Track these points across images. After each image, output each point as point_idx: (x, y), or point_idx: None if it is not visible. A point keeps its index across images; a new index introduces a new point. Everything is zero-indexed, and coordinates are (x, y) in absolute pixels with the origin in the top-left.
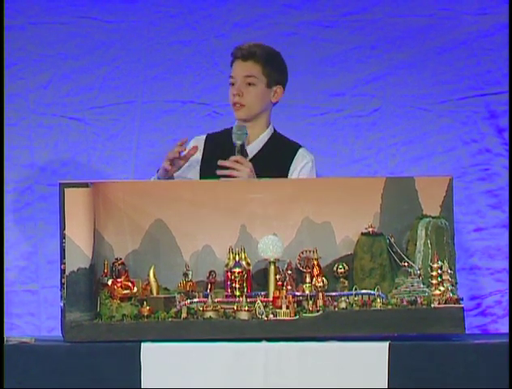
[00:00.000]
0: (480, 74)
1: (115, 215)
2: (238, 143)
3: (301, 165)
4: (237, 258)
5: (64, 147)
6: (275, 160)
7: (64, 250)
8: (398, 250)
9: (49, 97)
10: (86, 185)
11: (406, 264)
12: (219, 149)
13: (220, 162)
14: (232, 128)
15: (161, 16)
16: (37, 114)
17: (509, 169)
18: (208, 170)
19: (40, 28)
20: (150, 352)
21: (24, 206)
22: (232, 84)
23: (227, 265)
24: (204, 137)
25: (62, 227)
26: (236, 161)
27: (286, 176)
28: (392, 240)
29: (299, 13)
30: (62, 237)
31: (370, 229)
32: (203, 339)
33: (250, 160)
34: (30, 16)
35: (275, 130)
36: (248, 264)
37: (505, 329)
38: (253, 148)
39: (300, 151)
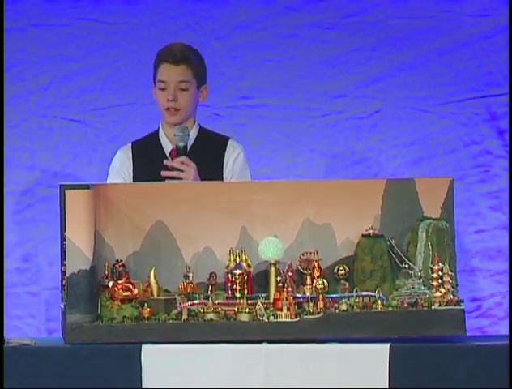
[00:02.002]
0: (481, 76)
1: (116, 216)
2: (181, 144)
3: (234, 155)
4: (238, 260)
5: (65, 148)
6: (207, 155)
7: (65, 251)
8: (399, 252)
9: (49, 99)
10: (86, 186)
11: (406, 266)
12: (147, 155)
13: (166, 162)
14: (155, 133)
15: (162, 18)
16: (38, 116)
17: (510, 171)
18: (141, 177)
19: (41, 30)
20: (151, 353)
21: (25, 208)
22: (164, 89)
23: (227, 267)
24: (130, 145)
25: (63, 229)
26: (182, 162)
27: (221, 169)
28: (393, 242)
29: (299, 15)
30: (63, 238)
31: (371, 231)
32: (204, 341)
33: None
34: (31, 18)
35: (201, 127)
36: (248, 266)
37: (505, 331)
38: None
39: (230, 142)
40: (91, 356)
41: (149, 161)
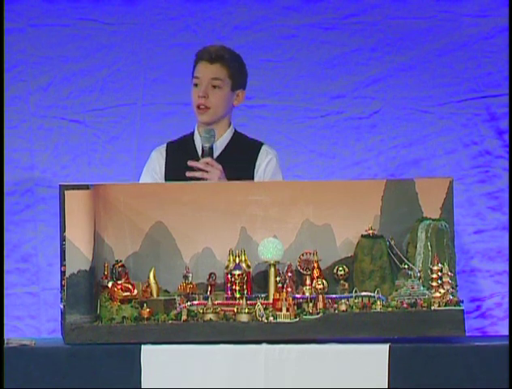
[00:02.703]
0: (481, 76)
1: (115, 217)
2: (207, 145)
3: (266, 161)
4: (237, 261)
5: (64, 149)
6: (239, 159)
7: (64, 252)
8: (399, 253)
9: (49, 100)
10: (86, 187)
11: (406, 266)
12: (181, 155)
13: (190, 163)
14: (191, 134)
15: (161, 19)
16: (38, 117)
17: (510, 171)
18: (174, 177)
19: (41, 31)
20: (150, 354)
21: (25, 208)
22: (196, 85)
23: (227, 267)
24: (165, 146)
25: (63, 229)
26: (207, 163)
27: (252, 173)
28: (392, 242)
29: (299, 16)
30: (63, 239)
31: (370, 232)
32: (203, 342)
33: (212, 157)
34: (30, 19)
35: (236, 130)
36: (248, 266)
37: (505, 331)
38: (216, 149)
39: (264, 147)
40: (91, 356)
41: (182, 162)
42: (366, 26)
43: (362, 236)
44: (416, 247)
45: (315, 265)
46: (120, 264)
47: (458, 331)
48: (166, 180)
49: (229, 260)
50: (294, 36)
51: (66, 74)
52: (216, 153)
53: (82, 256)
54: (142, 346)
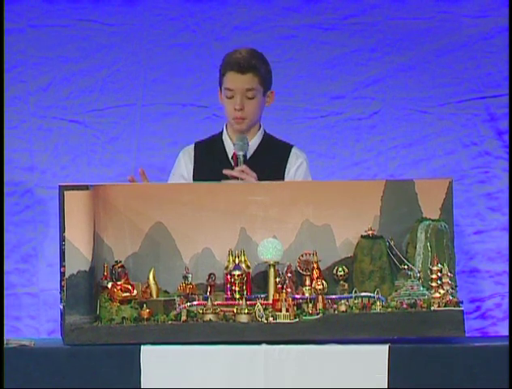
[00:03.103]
0: (480, 76)
1: (115, 217)
2: (240, 153)
3: (297, 165)
4: (237, 261)
5: (64, 149)
6: (269, 162)
7: (64, 252)
8: (398, 253)
9: (49, 100)
10: (86, 187)
11: (406, 267)
12: (210, 156)
13: (226, 171)
14: (219, 134)
15: (161, 19)
16: (37, 117)
17: (510, 172)
18: (202, 178)
19: (40, 31)
20: (150, 354)
21: (24, 208)
22: (231, 97)
23: (226, 268)
24: (192, 146)
25: (62, 230)
26: (242, 171)
27: (282, 176)
28: (392, 243)
29: (299, 16)
30: (62, 239)
31: (370, 232)
32: (203, 342)
33: (245, 163)
34: (30, 19)
35: (265, 132)
36: (248, 267)
37: (504, 332)
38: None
39: (293, 150)
40: (91, 357)
41: (211, 163)
42: (366, 26)
43: (362, 236)
44: (415, 248)
45: (315, 265)
46: (119, 265)
47: (457, 332)
48: (194, 180)
49: (229, 260)
50: (294, 37)
51: (65, 74)
52: (247, 156)
53: (81, 257)
54: (142, 346)
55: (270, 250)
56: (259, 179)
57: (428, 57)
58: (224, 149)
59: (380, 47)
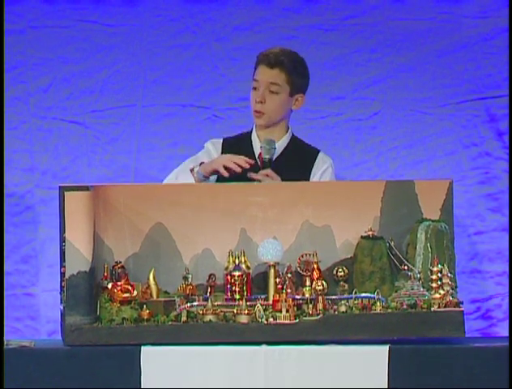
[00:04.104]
0: (480, 77)
1: (115, 218)
2: (267, 157)
3: (322, 169)
4: (237, 262)
5: (64, 150)
6: (295, 165)
7: (64, 253)
8: (398, 254)
9: (49, 101)
10: (86, 188)
11: (406, 268)
12: (236, 152)
13: (250, 175)
14: (249, 132)
15: (161, 20)
16: (37, 118)
17: (510, 173)
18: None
19: (41, 32)
20: (150, 355)
21: (24, 209)
22: (255, 88)
23: (227, 268)
24: (221, 141)
25: (62, 230)
26: (267, 175)
27: (308, 179)
28: (392, 243)
29: (299, 16)
30: (62, 240)
31: (370, 233)
32: (203, 343)
33: (271, 166)
34: (30, 20)
35: (293, 135)
36: (248, 267)
37: (505, 332)
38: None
39: (320, 155)
40: (91, 357)
41: None
42: (366, 27)
43: (362, 237)
44: (415, 248)
45: (315, 266)
46: (120, 265)
47: (457, 333)
48: (218, 178)
49: (229, 261)
50: (294, 37)
51: (65, 75)
52: (273, 157)
53: (82, 257)
54: (142, 347)
55: (270, 250)
56: (284, 180)
57: (429, 57)
58: (252, 148)
59: (380, 48)
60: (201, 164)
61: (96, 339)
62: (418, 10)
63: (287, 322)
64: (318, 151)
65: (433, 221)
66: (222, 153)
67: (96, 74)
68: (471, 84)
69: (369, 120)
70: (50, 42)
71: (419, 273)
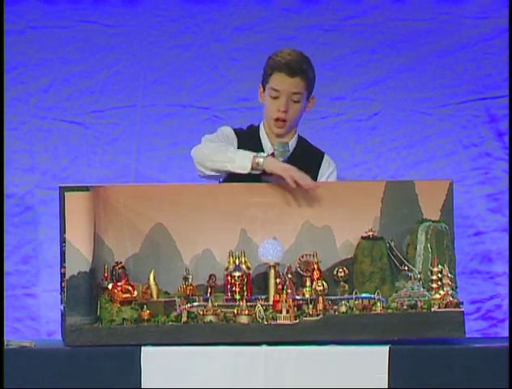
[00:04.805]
0: (480, 78)
1: (115, 219)
2: (280, 159)
3: (328, 172)
4: (237, 262)
5: (64, 150)
6: (303, 166)
7: (64, 253)
8: (399, 254)
9: (49, 101)
10: (86, 189)
11: (406, 268)
12: (247, 148)
13: (265, 179)
14: (255, 130)
15: (161, 20)
16: (37, 118)
17: (510, 173)
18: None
19: (41, 32)
20: (150, 355)
21: (25, 210)
22: (276, 98)
23: (227, 269)
24: (233, 131)
25: (63, 231)
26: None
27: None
28: (392, 244)
29: (299, 17)
30: (63, 240)
31: (370, 233)
32: (203, 343)
33: None
34: (30, 20)
35: (299, 136)
36: (248, 268)
37: (505, 333)
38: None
39: (326, 157)
40: (91, 358)
41: None
42: (366, 28)
43: (362, 237)
44: (415, 249)
45: (315, 267)
46: (120, 266)
47: (458, 333)
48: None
49: (229, 262)
50: (294, 38)
51: (66, 75)
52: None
53: (82, 258)
54: (143, 347)
55: (270, 251)
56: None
57: (429, 58)
58: (261, 146)
59: (380, 48)
60: (267, 156)
61: (96, 339)
62: (418, 10)
63: (287, 322)
64: (324, 154)
65: (433, 222)
66: (238, 142)
67: (96, 74)
68: (471, 85)
69: (369, 120)
70: (50, 42)
71: (419, 273)
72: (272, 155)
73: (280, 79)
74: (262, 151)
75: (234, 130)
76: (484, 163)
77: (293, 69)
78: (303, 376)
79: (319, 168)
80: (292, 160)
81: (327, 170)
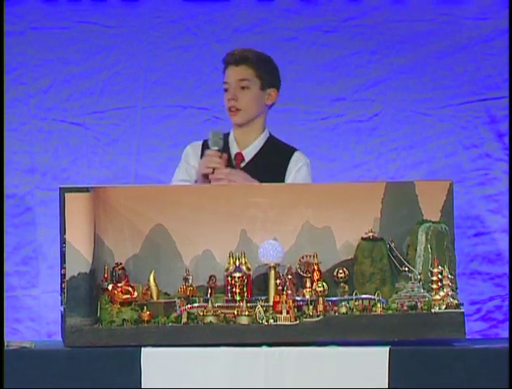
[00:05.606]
0: (481, 79)
1: (115, 219)
2: (215, 148)
3: (296, 168)
4: (238, 263)
5: (64, 151)
6: (271, 164)
7: (64, 254)
8: (399, 255)
9: (49, 102)
10: (86, 189)
11: (406, 269)
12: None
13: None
14: (226, 135)
15: (161, 21)
16: (38, 119)
17: (510, 174)
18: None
19: (41, 33)
20: (150, 356)
21: (25, 210)
22: (227, 90)
23: (227, 270)
24: (201, 143)
25: (63, 232)
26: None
27: (283, 179)
28: (392, 245)
29: (299, 18)
30: (63, 241)
31: (370, 234)
32: (204, 344)
33: (247, 165)
34: (31, 21)
35: (270, 134)
36: (248, 269)
37: (505, 334)
38: (249, 152)
39: (296, 154)
40: (91, 359)
41: None
42: (366, 29)
43: (362, 238)
44: (416, 250)
45: (315, 267)
46: (120, 267)
47: (458, 334)
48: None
49: (229, 262)
50: (293, 39)
51: (66, 76)
52: (249, 157)
53: (82, 258)
54: (143, 349)
55: (270, 252)
56: (261, 181)
57: (429, 59)
58: (228, 150)
59: (380, 49)
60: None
61: (96, 340)
62: (418, 11)
63: (287, 323)
64: (295, 151)
65: (433, 222)
66: (201, 155)
67: (96, 75)
68: (471, 86)
69: (370, 121)
70: (50, 43)
71: (419, 274)
72: (238, 155)
73: (228, 71)
74: (229, 154)
75: (204, 141)
76: (484, 164)
77: (236, 57)
78: (303, 377)
79: (288, 164)
80: (259, 158)
81: (295, 166)
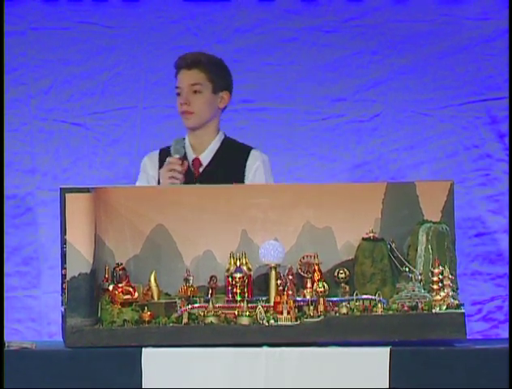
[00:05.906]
0: (481, 79)
1: (116, 220)
2: (176, 156)
3: (254, 167)
4: (238, 263)
5: (65, 152)
6: (229, 166)
7: (65, 255)
8: (399, 255)
9: (50, 102)
10: (87, 190)
11: (407, 269)
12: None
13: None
14: (182, 141)
15: (162, 21)
16: (38, 120)
17: (510, 174)
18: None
19: (42, 34)
20: (151, 357)
21: (25, 211)
22: (179, 94)
23: (228, 270)
24: (157, 153)
25: (63, 232)
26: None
27: (243, 180)
28: (393, 245)
29: (300, 18)
30: (63, 242)
31: (371, 234)
32: (204, 345)
33: (205, 169)
34: (31, 22)
35: (225, 136)
36: (249, 269)
37: (505, 334)
38: (206, 156)
39: (252, 152)
40: (92, 359)
41: None
42: (367, 29)
43: (363, 239)
44: (416, 250)
45: (316, 268)
46: (121, 267)
47: (459, 334)
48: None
49: (230, 263)
50: (294, 39)
51: (66, 77)
52: (206, 161)
53: (83, 259)
54: (143, 349)
55: (271, 252)
56: (219, 183)
57: (429, 59)
58: (185, 155)
59: (381, 50)
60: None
61: (97, 340)
62: (419, 12)
63: (288, 323)
64: (250, 149)
65: (434, 223)
66: (159, 163)
67: (97, 75)
68: (471, 86)
69: (370, 122)
70: (51, 44)
71: (420, 275)
72: (195, 160)
73: (180, 75)
74: (186, 159)
75: (162, 150)
76: (484, 164)
77: (188, 61)
78: (304, 377)
79: (245, 164)
80: (216, 160)
81: (254, 164)
